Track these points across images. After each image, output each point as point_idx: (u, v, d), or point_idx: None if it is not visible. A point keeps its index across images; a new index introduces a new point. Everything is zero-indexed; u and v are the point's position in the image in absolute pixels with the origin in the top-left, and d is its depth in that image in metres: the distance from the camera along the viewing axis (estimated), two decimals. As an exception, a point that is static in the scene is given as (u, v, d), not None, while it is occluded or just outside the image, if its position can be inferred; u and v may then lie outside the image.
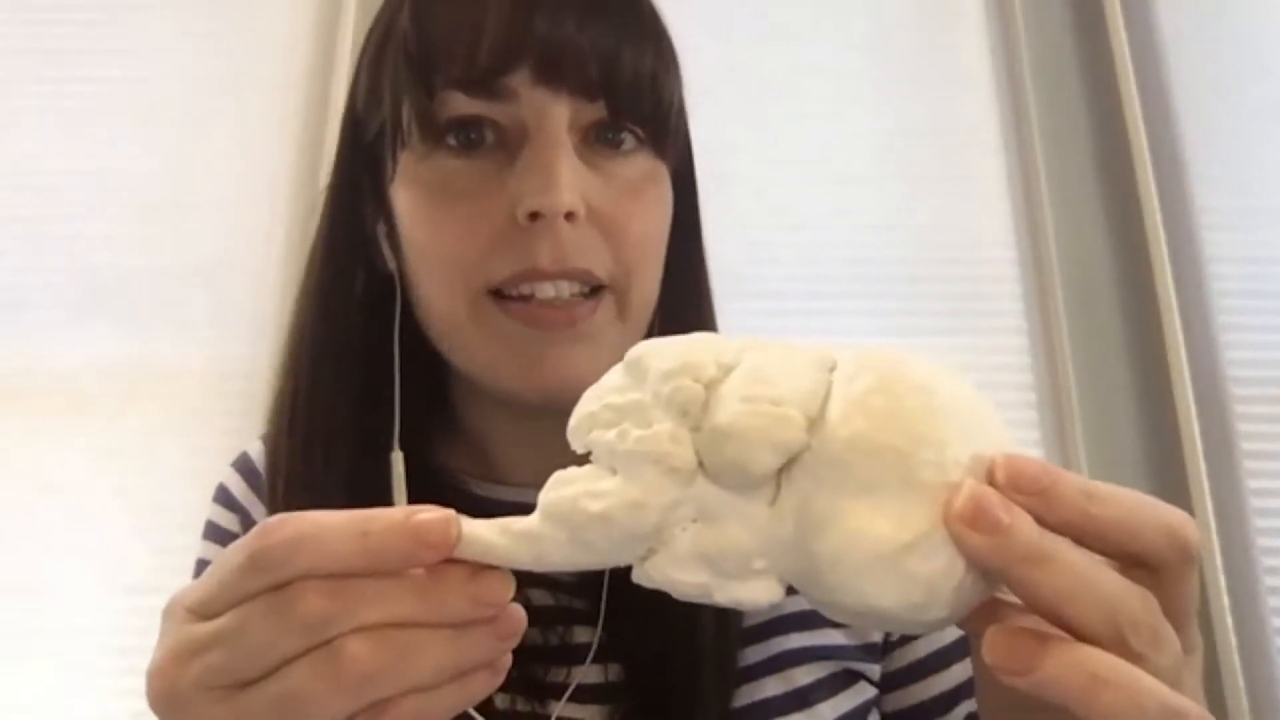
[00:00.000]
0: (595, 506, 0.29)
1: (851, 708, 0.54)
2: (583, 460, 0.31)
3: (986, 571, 0.28)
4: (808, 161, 1.45)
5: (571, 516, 0.29)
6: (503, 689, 0.50)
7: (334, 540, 0.28)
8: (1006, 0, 1.56)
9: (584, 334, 0.50)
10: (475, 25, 0.48)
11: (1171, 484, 1.32)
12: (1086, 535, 0.28)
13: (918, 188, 1.47)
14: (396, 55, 0.51)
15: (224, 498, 0.62)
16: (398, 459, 0.52)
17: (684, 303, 0.58)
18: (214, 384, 1.31)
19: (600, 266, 0.50)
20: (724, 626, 0.53)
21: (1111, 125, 1.49)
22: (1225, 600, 1.26)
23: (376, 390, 0.54)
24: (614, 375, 0.32)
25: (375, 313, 0.55)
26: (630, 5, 0.52)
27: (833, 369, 0.30)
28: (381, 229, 0.55)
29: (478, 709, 0.50)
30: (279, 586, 0.28)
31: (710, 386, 0.30)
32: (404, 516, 0.28)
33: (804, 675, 0.53)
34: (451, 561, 0.29)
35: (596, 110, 0.50)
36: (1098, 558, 0.28)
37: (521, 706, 0.51)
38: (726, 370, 0.30)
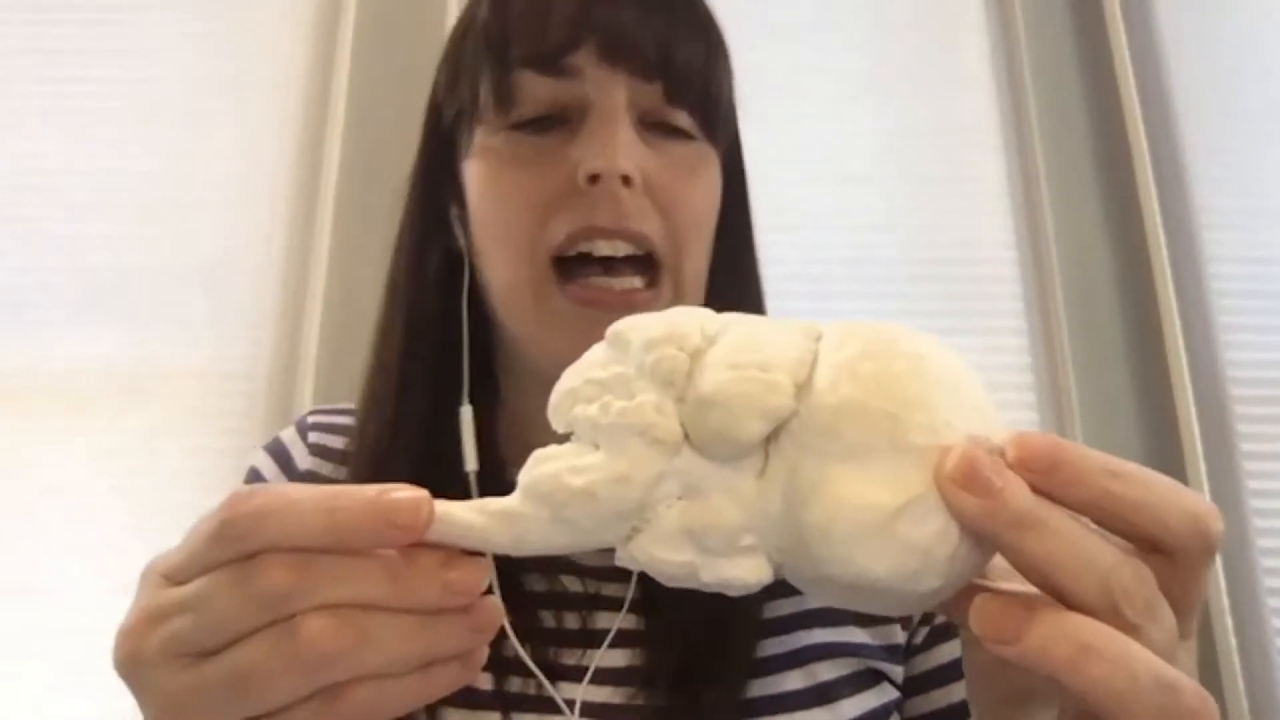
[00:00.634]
0: (578, 481, 0.28)
1: (874, 707, 0.54)
2: (565, 442, 0.30)
3: (979, 536, 0.27)
4: (808, 161, 1.46)
5: (553, 494, 0.28)
6: (518, 671, 0.51)
7: (302, 514, 0.27)
8: (1006, 0, 1.56)
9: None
10: (545, 10, 0.53)
11: (1171, 484, 1.32)
12: (1105, 515, 0.27)
13: (918, 188, 1.47)
14: (476, 40, 0.56)
15: (254, 480, 0.63)
16: (467, 412, 0.56)
17: (736, 295, 0.60)
18: (214, 384, 1.31)
19: (654, 233, 0.53)
20: (744, 615, 0.53)
21: (1111, 125, 1.49)
22: (1225, 600, 1.26)
23: (449, 359, 0.57)
24: (596, 351, 0.31)
25: (449, 291, 0.59)
26: (686, 1, 0.56)
27: (819, 339, 0.30)
28: (454, 211, 0.59)
29: (491, 687, 0.51)
30: (247, 558, 0.28)
31: (695, 356, 0.29)
32: (375, 494, 0.27)
33: (827, 671, 0.54)
34: (429, 546, 0.28)
35: (653, 93, 0.53)
36: (1093, 527, 0.27)
37: (535, 689, 0.51)
38: (711, 340, 0.29)
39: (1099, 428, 1.35)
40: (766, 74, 1.48)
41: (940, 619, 0.57)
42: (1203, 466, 1.31)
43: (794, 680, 0.53)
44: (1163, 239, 1.40)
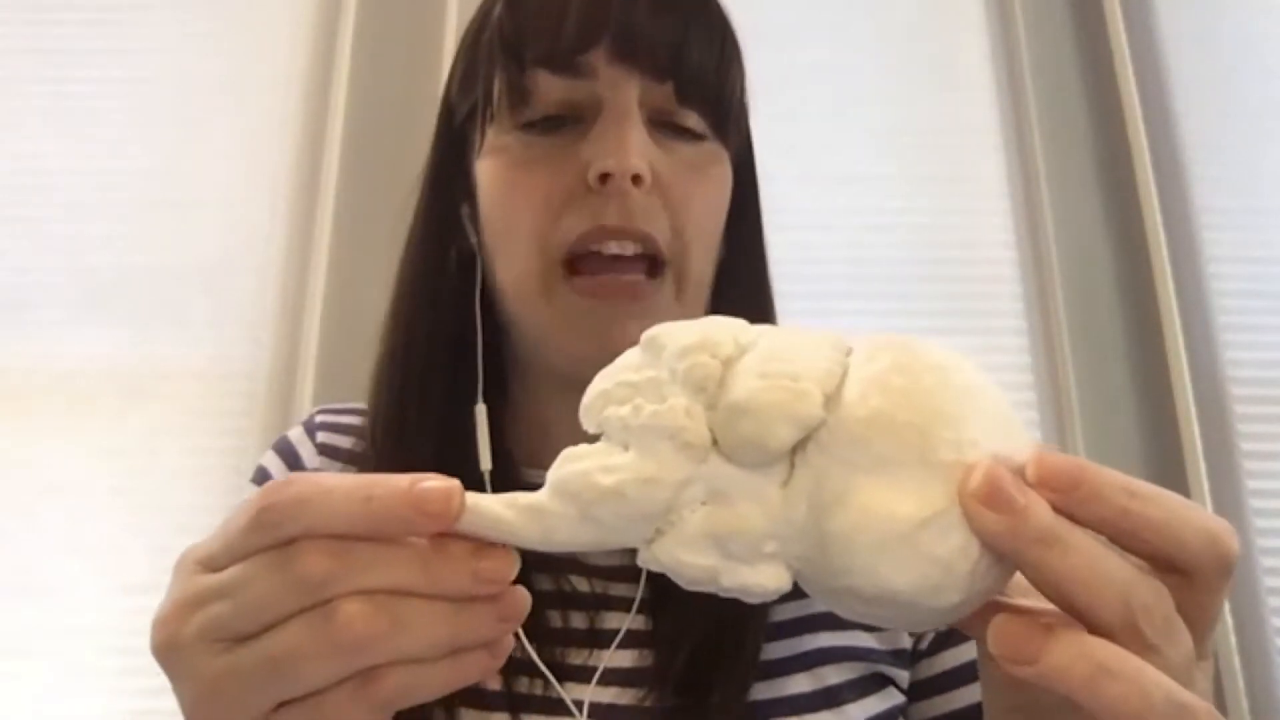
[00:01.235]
0: (608, 481, 0.28)
1: (880, 711, 0.54)
2: (585, 442, 0.31)
3: (1000, 553, 0.27)
4: (808, 161, 1.46)
5: (582, 492, 0.28)
6: (526, 671, 0.51)
7: (337, 502, 0.28)
8: (1006, 0, 1.56)
9: (644, 310, 0.52)
10: (560, 11, 0.53)
11: (1171, 484, 1.32)
12: (1124, 534, 0.27)
13: (918, 188, 1.47)
14: (491, 39, 0.57)
15: (262, 480, 0.63)
16: (481, 411, 0.56)
17: (744, 294, 0.60)
18: (214, 384, 1.31)
19: (661, 234, 0.53)
20: (750, 618, 0.53)
21: (1111, 125, 1.49)
22: (1225, 600, 1.26)
23: (461, 358, 0.58)
24: (630, 355, 0.32)
25: (461, 288, 0.59)
26: (699, 1, 0.56)
27: (849, 353, 0.30)
28: (465, 210, 0.59)
29: (500, 687, 0.51)
30: (283, 544, 0.28)
31: (727, 364, 0.29)
32: (408, 484, 0.28)
33: (834, 674, 0.54)
34: (458, 537, 0.29)
35: (665, 93, 0.54)
36: (1113, 548, 0.28)
37: (541, 690, 0.51)
38: (743, 350, 0.30)
39: (1099, 428, 1.35)
40: (767, 74, 1.48)
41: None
42: (1203, 466, 1.31)
43: (801, 683, 0.53)
44: (1163, 239, 1.40)
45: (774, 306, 0.63)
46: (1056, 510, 0.27)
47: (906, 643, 0.57)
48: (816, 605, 0.54)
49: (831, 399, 0.29)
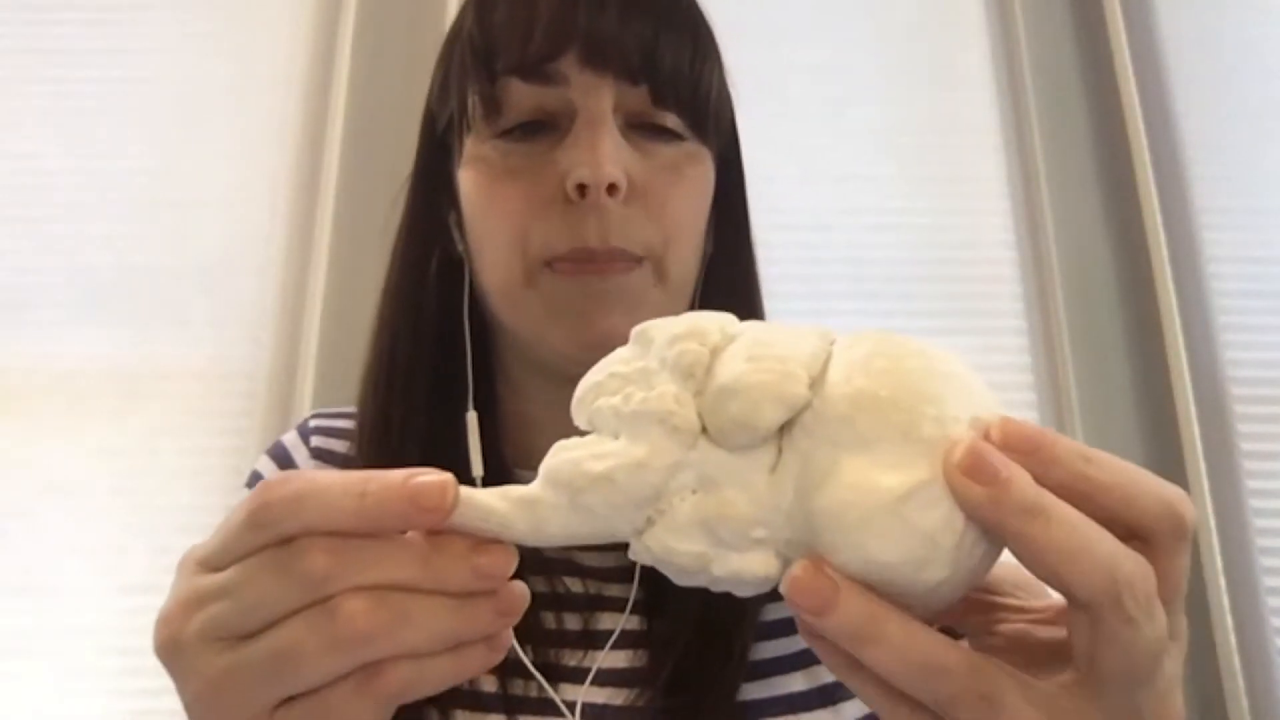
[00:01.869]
0: (598, 467, 0.29)
1: None
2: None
3: (984, 525, 0.27)
4: (808, 161, 1.46)
5: (573, 480, 0.29)
6: (522, 673, 0.51)
7: (332, 498, 0.28)
8: (1006, 1, 1.56)
9: (619, 294, 0.53)
10: (529, 19, 0.53)
11: (1171, 484, 1.32)
12: (1082, 498, 0.28)
13: (918, 187, 1.47)
14: (463, 50, 0.57)
15: (256, 484, 0.63)
16: (472, 418, 0.56)
17: (731, 291, 0.60)
18: (214, 384, 1.31)
19: (638, 243, 0.53)
20: (742, 617, 0.53)
21: (1111, 125, 1.49)
22: (1225, 600, 1.26)
23: (448, 363, 0.58)
24: (621, 349, 0.33)
25: (448, 294, 0.59)
26: (669, 2, 0.56)
27: (833, 342, 0.31)
28: (453, 216, 0.60)
29: (495, 689, 0.51)
30: (282, 542, 0.29)
31: (714, 352, 0.30)
32: (402, 479, 0.28)
33: (830, 673, 0.54)
34: (454, 534, 0.29)
35: (640, 95, 0.53)
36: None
37: (537, 691, 0.51)
38: (730, 338, 0.31)
39: (1099, 428, 1.35)
40: (767, 74, 1.48)
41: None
42: (1203, 466, 1.31)
43: (797, 682, 0.53)
44: (1163, 239, 1.40)
45: (762, 304, 0.63)
46: None
47: None
48: None
49: (816, 381, 0.29)
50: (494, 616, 0.30)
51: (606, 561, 0.56)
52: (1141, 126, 1.45)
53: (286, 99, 1.45)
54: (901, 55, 1.54)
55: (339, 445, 0.62)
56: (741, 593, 0.30)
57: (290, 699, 0.29)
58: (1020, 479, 0.27)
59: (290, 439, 0.65)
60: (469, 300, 0.59)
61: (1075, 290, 1.42)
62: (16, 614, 1.20)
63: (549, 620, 0.54)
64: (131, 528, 1.23)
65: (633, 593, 0.55)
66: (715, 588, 0.30)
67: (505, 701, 0.51)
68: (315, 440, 0.64)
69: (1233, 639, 1.24)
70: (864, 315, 1.40)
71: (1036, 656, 0.31)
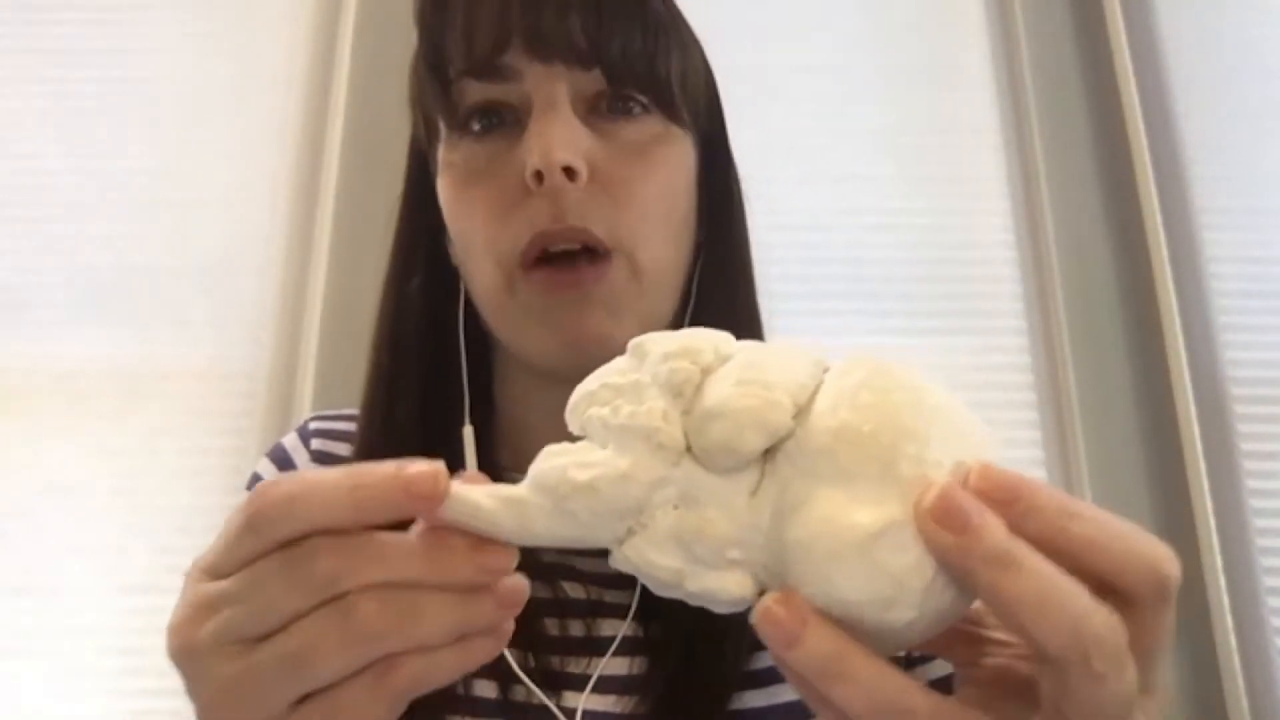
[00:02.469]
0: (583, 476, 0.29)
1: None
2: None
3: (954, 573, 0.27)
4: (808, 161, 1.46)
5: (559, 485, 0.29)
6: (521, 680, 0.51)
7: (325, 494, 0.29)
8: (1006, 1, 1.56)
9: (598, 296, 0.52)
10: (471, 20, 0.53)
11: (1171, 484, 1.32)
12: (1061, 553, 0.27)
13: (918, 187, 1.47)
14: (418, 62, 0.58)
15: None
16: (468, 432, 0.56)
17: (720, 278, 0.60)
18: (214, 384, 1.32)
19: (602, 227, 0.52)
20: (739, 626, 0.53)
21: (1111, 125, 1.49)
22: (1225, 600, 1.26)
23: (444, 375, 0.58)
24: (618, 360, 0.33)
25: (441, 305, 0.59)
26: None
27: (826, 370, 0.31)
28: (446, 231, 0.59)
29: (496, 695, 0.51)
30: (285, 544, 0.29)
31: (706, 371, 0.30)
32: (394, 469, 0.29)
33: None
34: (452, 532, 0.30)
35: (596, 80, 0.53)
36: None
37: (537, 698, 0.51)
38: (723, 359, 0.31)
39: (1099, 428, 1.35)
40: (767, 74, 1.48)
41: None
42: (1203, 466, 1.31)
43: (794, 691, 0.53)
44: (1163, 239, 1.40)
45: (757, 303, 0.62)
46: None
47: (899, 652, 0.56)
48: None
49: (803, 410, 0.29)
50: (496, 608, 0.30)
51: (605, 567, 0.56)
52: (1141, 126, 1.45)
53: (286, 99, 1.45)
54: (901, 55, 1.54)
55: (340, 448, 0.62)
56: (716, 609, 0.30)
57: (304, 699, 0.29)
58: (991, 528, 0.26)
59: (290, 441, 0.65)
60: (465, 309, 0.59)
61: (1075, 290, 1.42)
62: (16, 614, 1.20)
63: (552, 627, 0.54)
64: (131, 528, 1.23)
65: (635, 599, 0.54)
66: (691, 602, 0.30)
67: (506, 709, 0.51)
68: (315, 443, 0.63)
69: (1233, 639, 1.24)
70: (864, 315, 1.40)
71: (1017, 690, 0.31)
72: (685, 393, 0.30)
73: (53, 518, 1.24)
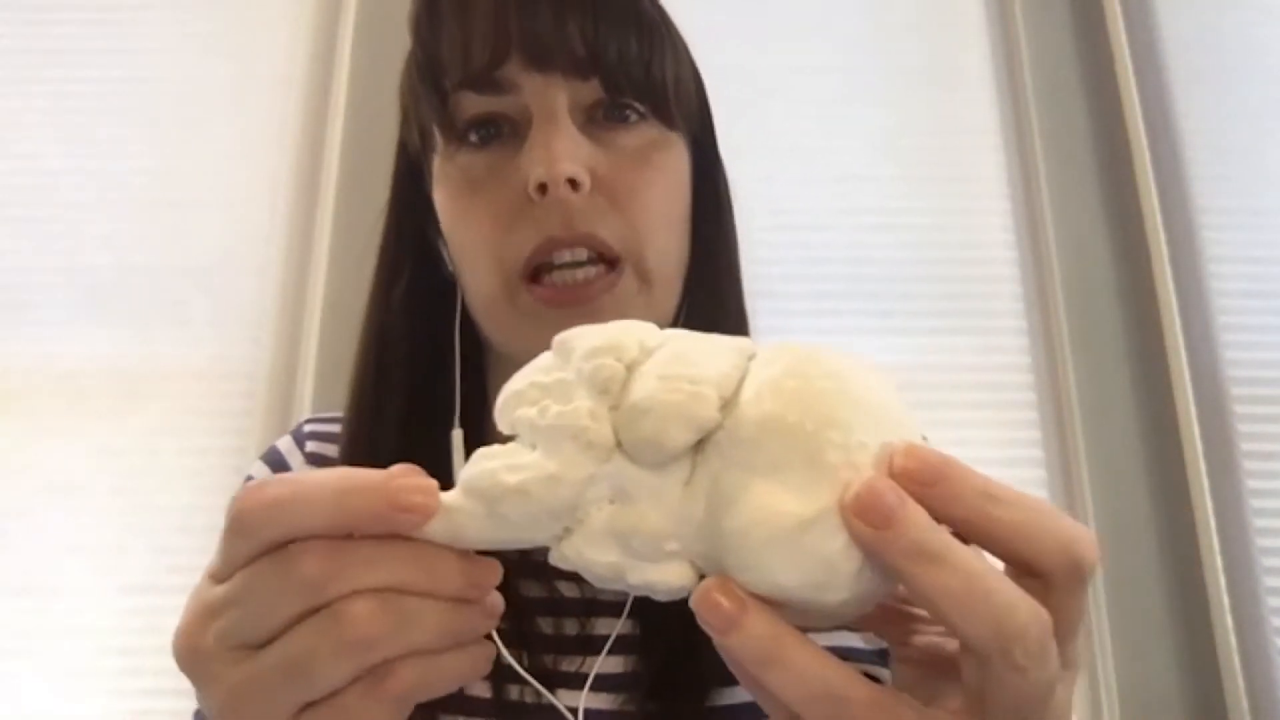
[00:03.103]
0: (512, 479, 0.29)
1: None
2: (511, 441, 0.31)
3: (877, 564, 0.27)
4: (808, 161, 1.46)
5: (489, 490, 0.29)
6: (516, 679, 0.51)
7: (310, 501, 0.29)
8: (1006, 1, 1.56)
9: (605, 308, 0.52)
10: (466, 33, 0.53)
11: (1171, 484, 1.32)
12: (980, 535, 0.28)
13: (918, 188, 1.47)
14: (413, 72, 0.57)
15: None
16: (458, 436, 0.55)
17: (710, 278, 0.60)
18: (214, 384, 1.32)
19: (610, 233, 0.52)
20: None
21: (1111, 125, 1.49)
22: (1225, 600, 1.26)
23: (433, 380, 0.58)
24: (543, 357, 0.33)
25: (430, 312, 0.59)
26: None
27: (752, 357, 0.31)
28: (441, 239, 0.59)
29: (489, 694, 0.51)
30: (273, 549, 0.29)
31: (631, 367, 0.30)
32: (383, 479, 0.29)
33: None
34: (435, 544, 0.30)
35: (593, 89, 0.53)
36: (996, 565, 0.28)
37: (533, 697, 0.51)
38: (648, 353, 0.31)
39: (1099, 428, 1.35)
40: (768, 74, 1.48)
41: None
42: (1203, 466, 1.31)
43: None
44: (1163, 239, 1.40)
45: (744, 303, 0.63)
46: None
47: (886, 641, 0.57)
48: None
49: (729, 402, 0.29)
50: (481, 617, 0.30)
51: None
52: (1141, 126, 1.45)
53: (286, 99, 1.45)
54: (901, 56, 1.54)
55: (334, 450, 0.62)
56: (658, 599, 0.30)
57: (311, 705, 0.29)
58: (913, 521, 0.26)
59: (285, 444, 0.65)
60: (463, 316, 0.59)
61: (1075, 290, 1.42)
62: (16, 614, 1.20)
63: (546, 626, 0.54)
64: (131, 528, 1.23)
65: (630, 596, 0.54)
66: (633, 593, 0.30)
67: (500, 708, 0.51)
68: (310, 445, 0.64)
69: (1233, 639, 1.24)
70: (864, 315, 1.40)
71: (944, 669, 0.31)
72: (611, 389, 0.30)
73: (53, 518, 1.24)
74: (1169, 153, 1.45)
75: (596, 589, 0.55)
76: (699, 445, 0.30)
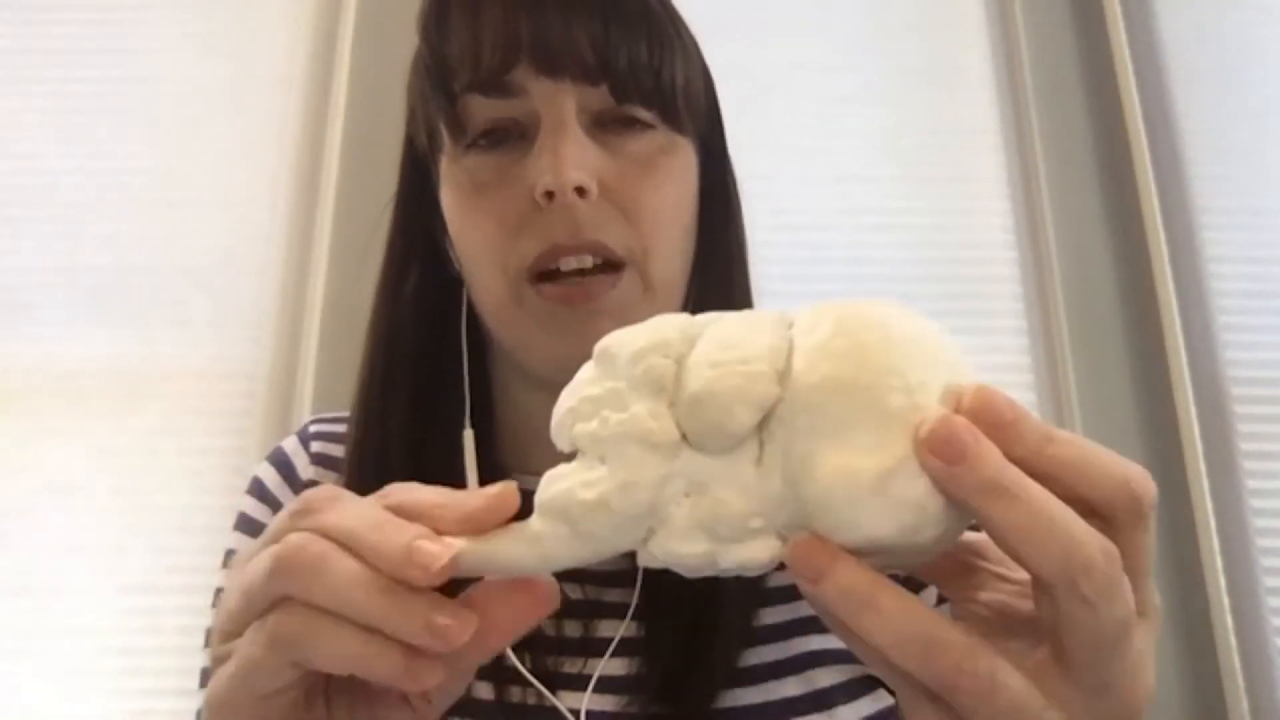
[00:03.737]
0: (590, 495, 0.29)
1: (871, 713, 0.54)
2: (572, 459, 0.32)
3: (952, 499, 0.28)
4: (808, 161, 1.46)
5: (569, 510, 0.29)
6: (520, 681, 0.51)
7: (342, 574, 0.30)
8: (1006, 1, 1.56)
9: (609, 308, 0.52)
10: (475, 36, 0.53)
11: (1171, 484, 1.32)
12: (1042, 475, 0.28)
13: (918, 187, 1.47)
14: (420, 74, 0.57)
15: (257, 490, 0.63)
16: (469, 436, 0.56)
17: (718, 279, 0.60)
18: (214, 384, 1.32)
19: (616, 240, 0.52)
20: (730, 624, 0.53)
21: (1111, 125, 1.49)
22: (1225, 600, 1.26)
23: (437, 378, 0.58)
24: (585, 370, 0.33)
25: (436, 310, 0.59)
26: None
27: (791, 326, 0.31)
28: (448, 238, 0.59)
29: (492, 696, 0.51)
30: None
31: (679, 360, 0.31)
32: (407, 539, 0.29)
33: (825, 677, 0.53)
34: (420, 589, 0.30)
35: (602, 95, 0.53)
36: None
37: (535, 699, 0.51)
38: (691, 342, 0.31)
39: (1099, 428, 1.35)
40: (767, 74, 1.48)
41: None
42: (1203, 466, 1.31)
43: (791, 687, 0.53)
44: (1163, 239, 1.40)
45: (751, 296, 0.62)
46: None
47: None
48: (806, 609, 0.54)
49: (783, 374, 0.30)
50: (437, 640, 0.29)
51: (606, 565, 0.56)
52: (1141, 126, 1.45)
53: (286, 99, 1.45)
54: (901, 56, 1.54)
55: (339, 450, 0.62)
56: (750, 575, 0.31)
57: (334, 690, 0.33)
58: (986, 456, 0.27)
59: (291, 445, 0.64)
60: (468, 315, 0.59)
61: (1075, 290, 1.42)
62: (16, 614, 1.20)
63: (549, 627, 0.53)
64: (131, 528, 1.23)
65: (634, 598, 0.54)
66: (726, 575, 0.31)
67: (502, 710, 0.51)
68: (316, 445, 0.63)
69: (1233, 639, 1.24)
70: (864, 315, 1.40)
71: (1015, 629, 0.32)
72: (666, 386, 0.30)
73: (53, 518, 1.24)
74: (1169, 153, 1.45)
75: (599, 591, 0.55)
76: (762, 423, 0.30)
